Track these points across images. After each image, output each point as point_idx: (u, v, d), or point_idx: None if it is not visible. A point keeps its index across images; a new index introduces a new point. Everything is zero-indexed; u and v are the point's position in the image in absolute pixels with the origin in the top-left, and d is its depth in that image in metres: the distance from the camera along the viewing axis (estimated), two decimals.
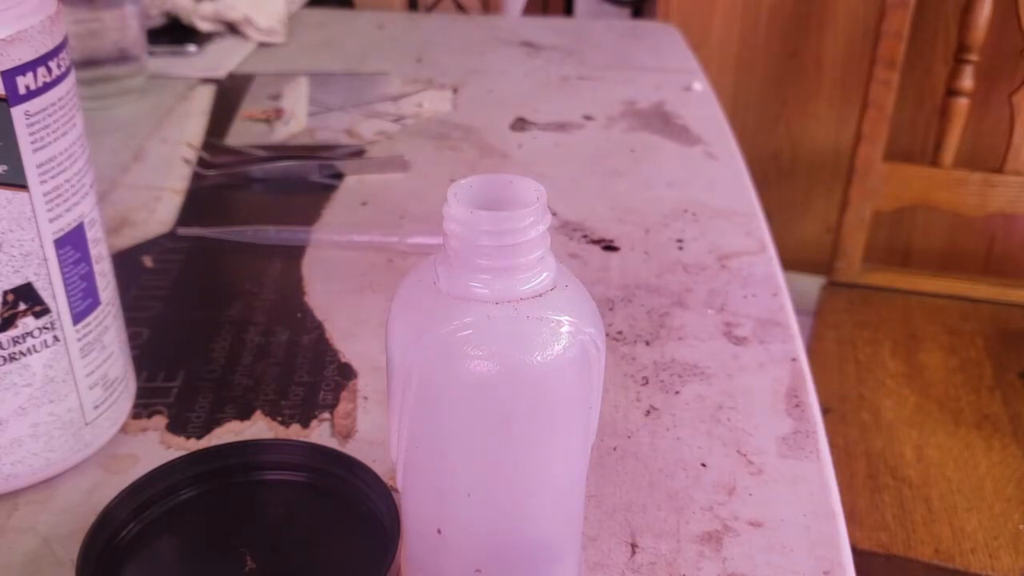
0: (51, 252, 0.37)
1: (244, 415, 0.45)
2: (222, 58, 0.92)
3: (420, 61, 0.92)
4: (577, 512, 0.31)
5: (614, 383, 0.47)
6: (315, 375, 0.48)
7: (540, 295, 0.27)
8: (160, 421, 0.45)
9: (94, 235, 0.39)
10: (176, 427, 0.44)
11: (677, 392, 0.47)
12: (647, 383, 0.47)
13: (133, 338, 0.47)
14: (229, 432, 0.44)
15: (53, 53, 0.36)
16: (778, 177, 1.71)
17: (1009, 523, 0.91)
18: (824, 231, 1.67)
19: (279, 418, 0.45)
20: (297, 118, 0.78)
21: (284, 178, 0.69)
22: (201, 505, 0.37)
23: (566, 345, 0.27)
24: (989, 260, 1.65)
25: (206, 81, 0.87)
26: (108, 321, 0.41)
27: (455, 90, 0.86)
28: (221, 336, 0.51)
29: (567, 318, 0.27)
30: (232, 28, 0.97)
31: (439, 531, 0.29)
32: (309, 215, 0.63)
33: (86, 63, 0.78)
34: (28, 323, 0.37)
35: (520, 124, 0.79)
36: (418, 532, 0.31)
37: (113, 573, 0.34)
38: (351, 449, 0.43)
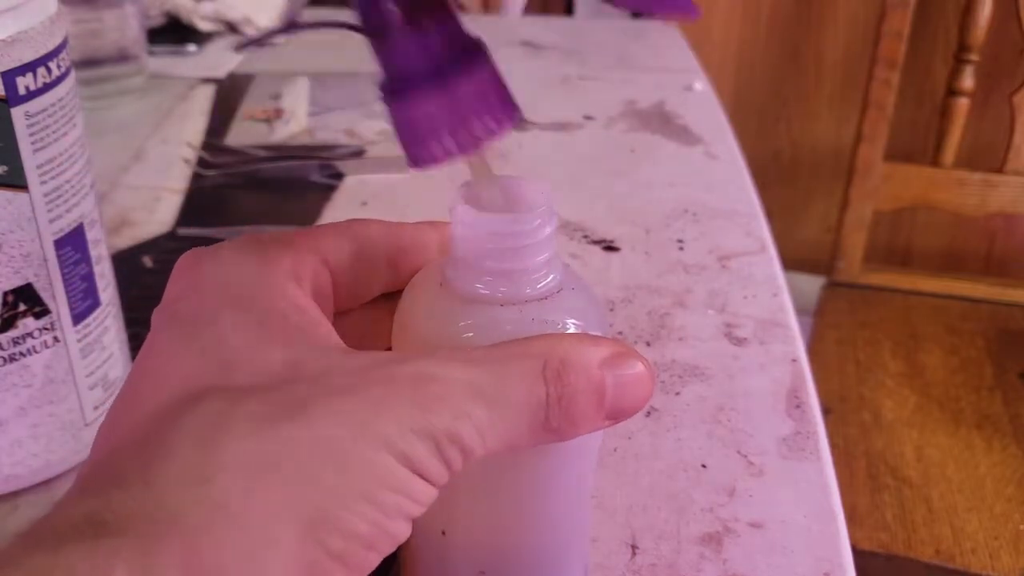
0: (51, 253, 0.37)
1: None
2: (222, 58, 0.92)
3: None
4: (584, 514, 0.31)
5: None
6: None
7: (546, 297, 0.27)
8: None
9: (94, 236, 0.39)
10: None
11: (678, 393, 0.47)
12: None
13: (133, 339, 0.47)
14: None
15: (53, 54, 0.36)
16: (778, 177, 1.71)
17: (1009, 523, 0.91)
18: (824, 231, 1.67)
19: None
20: (297, 118, 0.78)
21: (284, 178, 0.69)
22: None
23: None
24: (989, 260, 1.65)
25: (206, 81, 0.87)
26: (108, 322, 0.41)
27: None
28: None
29: (573, 320, 0.27)
30: (232, 28, 0.97)
31: (443, 532, 0.29)
32: (309, 215, 0.63)
33: (86, 63, 0.78)
34: (28, 324, 0.37)
35: (520, 124, 0.79)
36: (421, 533, 0.31)
37: None
38: None
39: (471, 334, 0.26)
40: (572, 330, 0.27)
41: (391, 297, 0.29)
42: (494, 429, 0.23)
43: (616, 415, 0.25)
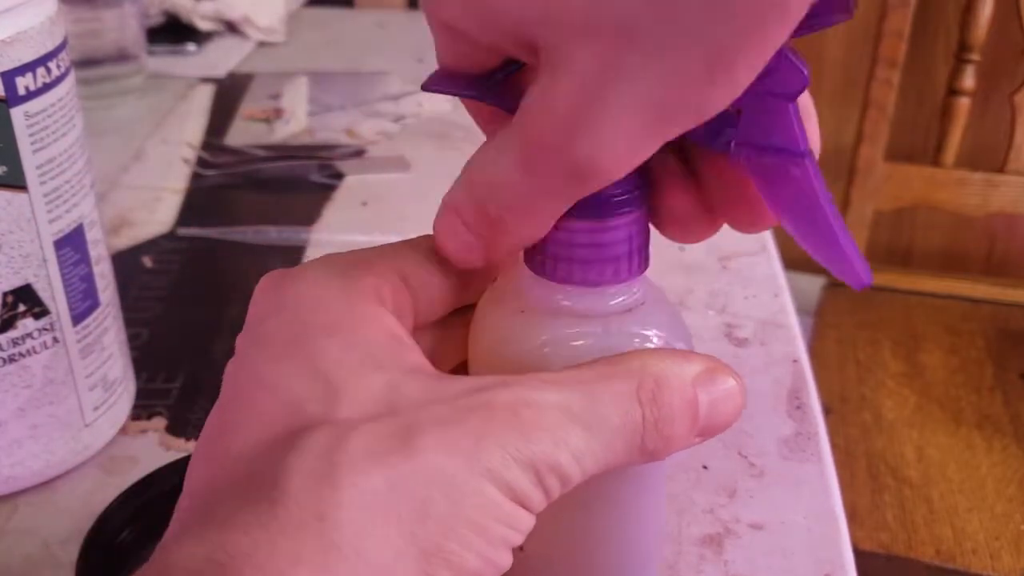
0: (51, 253, 0.37)
1: None
2: (222, 57, 0.92)
3: (421, 61, 0.92)
4: (658, 528, 0.30)
5: None
6: None
7: (629, 310, 0.26)
8: (160, 423, 0.45)
9: (94, 236, 0.39)
10: (176, 429, 0.44)
11: None
12: None
13: (133, 339, 0.47)
14: None
15: (53, 54, 0.36)
16: None
17: (1010, 524, 0.91)
18: None
19: None
20: (297, 118, 0.78)
21: (284, 178, 0.69)
22: None
23: None
24: (990, 260, 1.65)
25: (206, 81, 0.87)
26: (108, 322, 0.41)
27: None
28: (221, 336, 0.51)
29: (656, 333, 0.26)
30: (232, 27, 0.97)
31: (521, 548, 0.29)
32: (309, 215, 0.63)
33: (86, 63, 0.78)
34: (28, 324, 0.37)
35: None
36: None
37: (113, 575, 0.34)
38: None
39: (552, 349, 0.25)
40: (656, 343, 0.26)
41: (462, 311, 0.28)
42: (591, 454, 0.22)
43: (708, 432, 0.24)
